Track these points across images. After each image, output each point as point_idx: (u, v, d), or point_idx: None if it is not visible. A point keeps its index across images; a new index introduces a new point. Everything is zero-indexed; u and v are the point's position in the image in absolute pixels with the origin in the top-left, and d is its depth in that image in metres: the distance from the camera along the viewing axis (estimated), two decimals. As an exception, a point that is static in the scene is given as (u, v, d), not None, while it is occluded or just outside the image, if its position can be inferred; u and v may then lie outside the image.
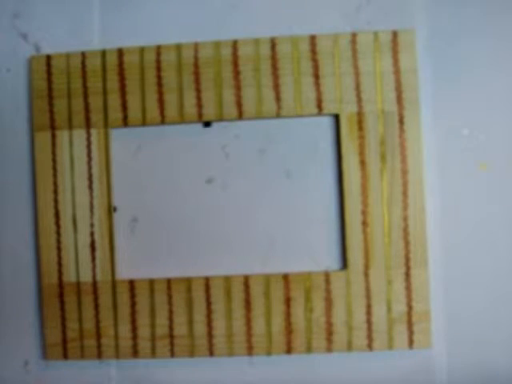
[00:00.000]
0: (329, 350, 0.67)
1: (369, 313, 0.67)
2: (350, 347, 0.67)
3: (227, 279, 0.68)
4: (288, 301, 0.67)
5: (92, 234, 0.69)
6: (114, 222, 0.69)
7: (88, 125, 0.69)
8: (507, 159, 0.69)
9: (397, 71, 0.67)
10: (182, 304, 0.68)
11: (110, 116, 0.69)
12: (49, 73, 0.69)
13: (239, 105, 0.68)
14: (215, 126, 0.70)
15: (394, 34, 0.67)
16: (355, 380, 0.69)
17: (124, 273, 0.70)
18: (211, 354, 0.68)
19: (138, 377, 0.70)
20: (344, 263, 0.68)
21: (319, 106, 0.68)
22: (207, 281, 0.68)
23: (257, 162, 0.69)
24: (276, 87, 0.68)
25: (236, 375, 0.70)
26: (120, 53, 0.69)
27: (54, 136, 0.69)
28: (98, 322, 0.68)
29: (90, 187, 0.69)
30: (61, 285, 0.69)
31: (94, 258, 0.69)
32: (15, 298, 0.71)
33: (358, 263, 0.67)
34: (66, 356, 0.69)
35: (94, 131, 0.69)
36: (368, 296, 0.67)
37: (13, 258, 0.71)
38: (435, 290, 0.68)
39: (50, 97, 0.69)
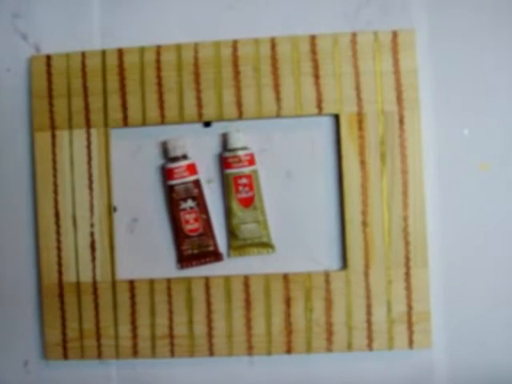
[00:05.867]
0: (329, 350, 0.67)
1: (369, 313, 0.67)
2: (350, 347, 0.67)
3: (227, 279, 0.68)
4: (288, 301, 0.67)
5: (92, 234, 0.69)
6: (114, 221, 0.69)
7: (88, 125, 0.69)
8: (507, 159, 0.69)
9: (397, 71, 0.67)
10: (181, 304, 0.68)
11: (110, 116, 0.69)
12: (49, 73, 0.69)
13: (239, 105, 0.68)
14: (215, 125, 0.70)
15: (394, 34, 0.67)
16: (355, 380, 0.69)
17: (124, 273, 0.70)
18: (211, 354, 0.68)
19: (138, 377, 0.70)
20: (344, 263, 0.68)
21: (319, 106, 0.68)
22: (207, 281, 0.68)
23: (257, 162, 0.69)
24: (276, 87, 0.68)
25: (236, 375, 0.70)
26: (120, 53, 0.69)
27: (53, 136, 0.69)
28: (98, 322, 0.68)
29: (90, 187, 0.69)
30: (61, 285, 0.69)
31: (94, 258, 0.69)
32: (15, 298, 0.71)
33: (358, 263, 0.67)
34: (66, 356, 0.69)
35: (94, 131, 0.69)
36: (368, 296, 0.67)
37: (13, 258, 0.71)
38: (435, 290, 0.68)
39: (50, 97, 0.69)
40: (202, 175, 0.70)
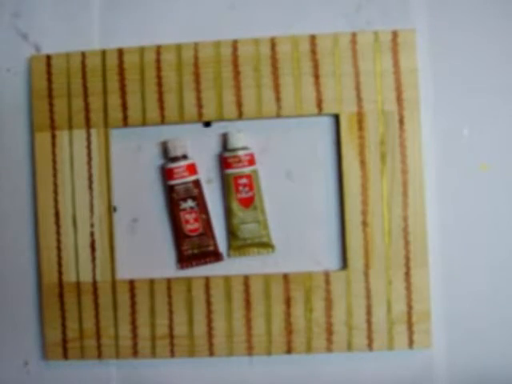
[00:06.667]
0: (329, 349, 0.67)
1: (369, 313, 0.67)
2: (350, 347, 0.67)
3: (227, 279, 0.68)
4: (288, 301, 0.67)
5: (92, 233, 0.69)
6: (114, 222, 0.69)
7: (88, 125, 0.69)
8: (507, 159, 0.69)
9: (397, 71, 0.67)
10: (181, 304, 0.68)
11: (110, 116, 0.69)
12: (49, 73, 0.69)
13: (239, 105, 0.68)
14: (215, 125, 0.70)
15: (394, 34, 0.67)
16: (355, 380, 0.69)
17: (124, 273, 0.70)
18: (211, 354, 0.68)
19: (138, 377, 0.70)
20: (344, 263, 0.68)
21: (319, 106, 0.68)
22: (207, 281, 0.68)
23: (257, 162, 0.69)
24: (276, 87, 0.68)
25: (236, 375, 0.70)
26: (120, 53, 0.69)
27: (53, 136, 0.69)
28: (98, 321, 0.68)
29: (90, 187, 0.69)
30: (61, 285, 0.69)
31: (94, 258, 0.69)
32: (15, 298, 0.71)
33: (358, 263, 0.67)
34: (66, 356, 0.69)
35: (93, 131, 0.69)
36: (368, 296, 0.67)
37: (13, 258, 0.71)
38: (435, 290, 0.68)
39: (50, 97, 0.69)
40: (202, 175, 0.70)
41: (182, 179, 0.68)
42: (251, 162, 0.68)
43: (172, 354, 0.68)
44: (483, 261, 0.69)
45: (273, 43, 0.68)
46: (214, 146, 0.70)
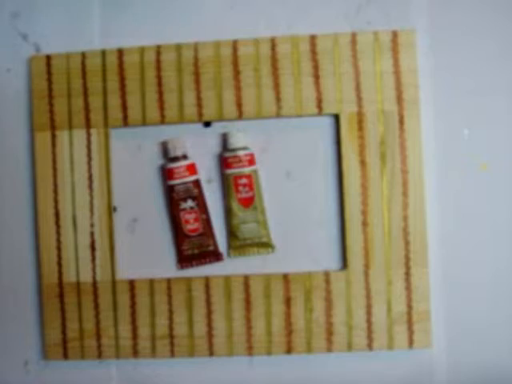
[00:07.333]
0: (329, 349, 0.67)
1: (369, 313, 0.67)
2: (350, 347, 0.67)
3: (227, 279, 0.68)
4: (288, 301, 0.67)
5: (92, 234, 0.69)
6: (114, 222, 0.69)
7: (88, 125, 0.69)
8: (507, 159, 0.69)
9: (397, 71, 0.67)
10: (182, 304, 0.68)
11: (110, 116, 0.69)
12: (49, 73, 0.69)
13: (239, 105, 0.68)
14: (215, 125, 0.70)
15: (394, 34, 0.67)
16: (355, 380, 0.69)
17: (124, 273, 0.70)
18: (211, 354, 0.68)
19: (138, 377, 0.70)
20: (344, 263, 0.68)
21: (319, 106, 0.68)
22: (207, 281, 0.68)
23: (257, 162, 0.69)
24: (276, 87, 0.68)
25: (236, 375, 0.70)
26: (120, 53, 0.69)
27: (53, 136, 0.69)
28: (98, 322, 0.68)
29: (90, 187, 0.69)
30: (61, 285, 0.69)
31: (94, 258, 0.69)
32: (15, 298, 0.71)
33: (358, 263, 0.67)
34: (66, 356, 0.69)
35: (93, 131, 0.69)
36: (368, 296, 0.67)
37: (13, 258, 0.71)
38: (435, 290, 0.68)
39: (50, 97, 0.69)
40: (202, 175, 0.70)
41: (182, 179, 0.68)
42: (251, 162, 0.68)
43: (172, 353, 0.68)
44: (483, 261, 0.69)
45: (273, 43, 0.68)
46: (214, 146, 0.70)
